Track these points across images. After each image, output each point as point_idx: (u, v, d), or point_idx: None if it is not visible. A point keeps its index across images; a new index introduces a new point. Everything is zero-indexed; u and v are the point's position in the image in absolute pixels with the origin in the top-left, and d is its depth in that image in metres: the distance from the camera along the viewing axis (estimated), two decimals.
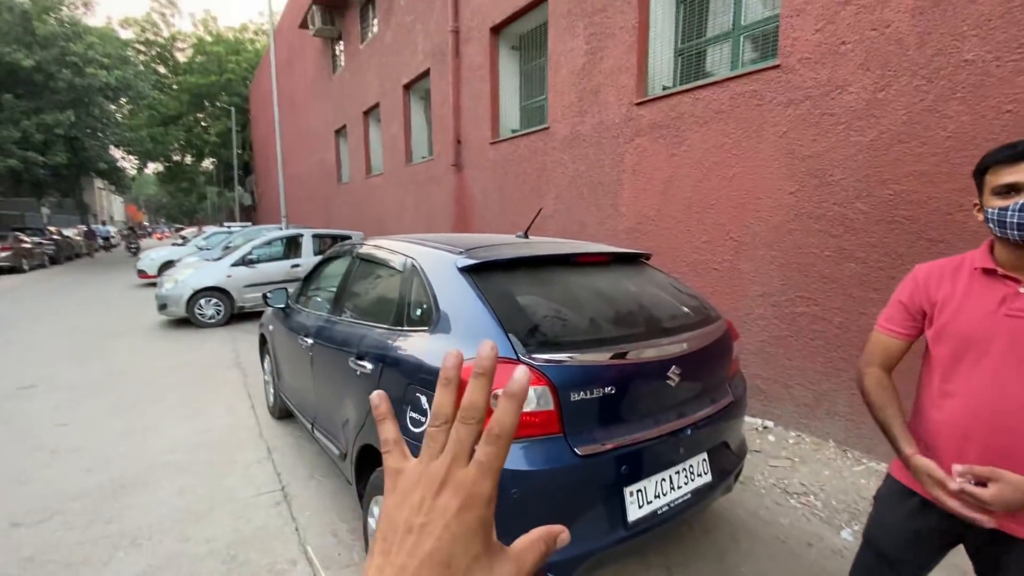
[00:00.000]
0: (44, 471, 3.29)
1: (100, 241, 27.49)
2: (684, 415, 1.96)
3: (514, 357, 1.65)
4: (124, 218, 63.41)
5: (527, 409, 1.60)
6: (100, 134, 24.06)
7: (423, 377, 1.77)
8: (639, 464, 1.79)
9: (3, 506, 2.87)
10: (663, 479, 1.89)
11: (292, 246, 8.76)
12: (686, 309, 2.22)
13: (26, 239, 17.07)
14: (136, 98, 25.75)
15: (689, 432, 1.93)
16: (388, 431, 0.37)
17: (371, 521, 2.13)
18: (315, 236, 8.85)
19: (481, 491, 0.32)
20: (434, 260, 2.15)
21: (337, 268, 3.28)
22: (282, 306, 3.59)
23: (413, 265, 2.22)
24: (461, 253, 2.07)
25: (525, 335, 1.72)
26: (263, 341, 4.28)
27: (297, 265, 8.36)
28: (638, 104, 4.50)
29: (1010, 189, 1.12)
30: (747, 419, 3.80)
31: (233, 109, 29.18)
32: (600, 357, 1.74)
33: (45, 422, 4.11)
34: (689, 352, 1.98)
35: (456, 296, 1.91)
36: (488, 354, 0.35)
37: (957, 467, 1.10)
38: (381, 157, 11.17)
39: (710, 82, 3.91)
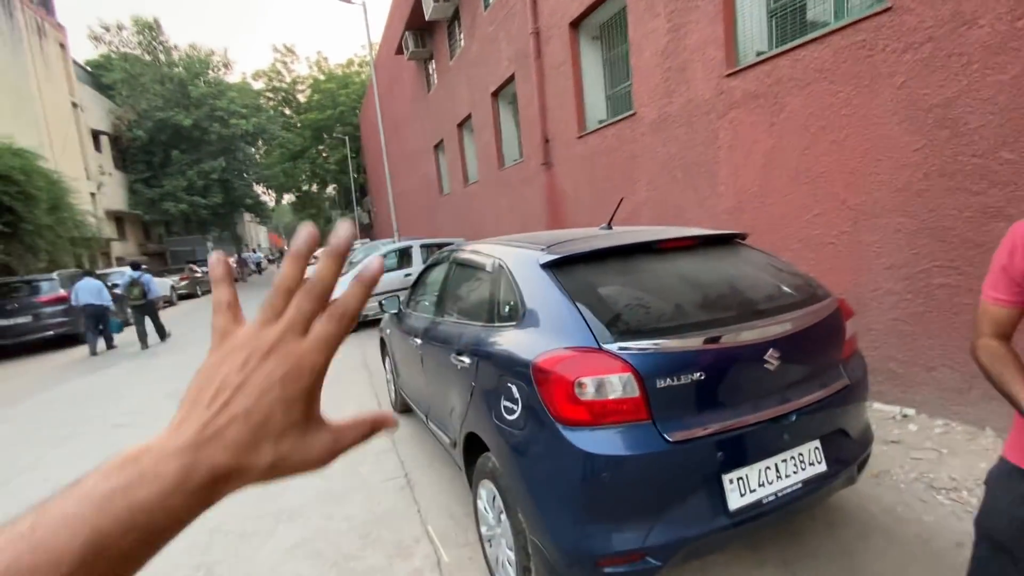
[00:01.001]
0: None
1: (252, 266, 31.99)
2: (787, 400, 1.86)
3: (596, 347, 1.70)
4: (268, 244, 72.93)
5: (613, 396, 1.65)
6: (245, 174, 28.07)
7: (512, 368, 1.89)
8: (737, 450, 1.74)
9: None
10: (767, 467, 1.81)
11: (404, 257, 9.50)
12: (787, 288, 2.09)
13: (197, 269, 20.44)
14: (269, 139, 29.61)
15: (794, 418, 1.83)
16: (221, 293, 0.36)
17: (479, 503, 2.30)
18: (423, 246, 9.52)
19: (312, 363, 0.32)
20: (519, 258, 2.27)
21: (438, 274, 3.55)
22: (395, 311, 3.96)
23: (500, 265, 2.36)
24: (543, 250, 2.16)
25: (607, 324, 1.76)
26: (383, 344, 4.74)
27: (409, 274, 9.05)
28: (728, 75, 4.24)
29: None
30: (882, 407, 3.42)
31: (347, 138, 32.21)
32: (686, 343, 1.73)
33: None
34: (790, 333, 1.87)
35: (539, 291, 2.01)
36: (345, 234, 0.34)
37: None
38: (476, 165, 11.65)
39: (810, 39, 3.57)
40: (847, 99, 3.34)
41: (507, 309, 2.18)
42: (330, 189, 43.11)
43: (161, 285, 11.99)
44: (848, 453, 2.05)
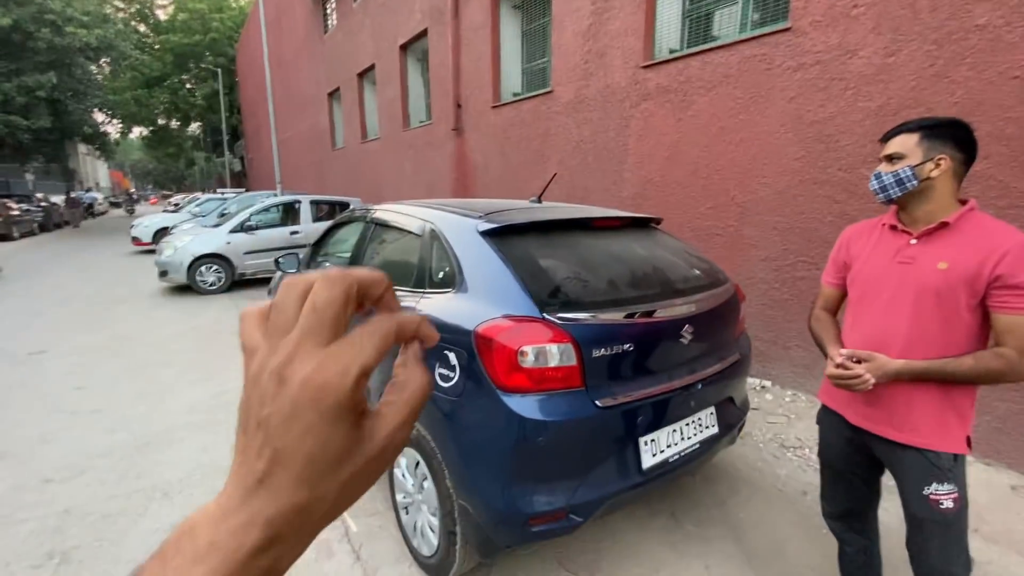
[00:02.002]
0: (67, 431, 3.39)
1: (93, 208, 26.95)
2: (695, 371, 2.07)
3: (538, 316, 1.73)
4: (110, 184, 62.09)
5: (552, 364, 1.70)
6: (83, 97, 23.34)
7: (450, 336, 1.85)
8: (653, 416, 1.90)
9: (31, 464, 2.98)
10: (674, 430, 2.01)
11: (289, 213, 8.71)
12: (697, 272, 2.30)
13: (14, 206, 16.77)
14: (118, 59, 24.88)
15: (700, 387, 2.05)
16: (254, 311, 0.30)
17: (396, 472, 2.25)
18: (313, 203, 8.79)
19: (340, 370, 0.25)
20: (454, 225, 2.20)
21: (349, 233, 3.32)
22: (294, 271, 3.63)
23: (432, 230, 2.27)
24: (480, 218, 2.12)
25: (548, 296, 1.80)
26: None
27: (296, 232, 8.34)
28: (645, 67, 4.47)
29: (887, 160, 1.46)
30: (748, 378, 3.95)
31: (220, 71, 28.26)
32: (619, 316, 1.83)
33: (61, 385, 4.19)
34: (701, 312, 2.07)
35: (478, 259, 1.98)
36: (431, 331, 0.31)
37: (842, 350, 1.47)
38: (377, 121, 10.97)
39: (719, 45, 3.88)
40: (745, 105, 3.71)
41: (441, 275, 2.12)
42: (194, 127, 37.79)
43: None
44: (733, 418, 2.36)
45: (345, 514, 2.48)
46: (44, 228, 19.05)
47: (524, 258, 1.94)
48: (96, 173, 54.36)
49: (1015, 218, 2.52)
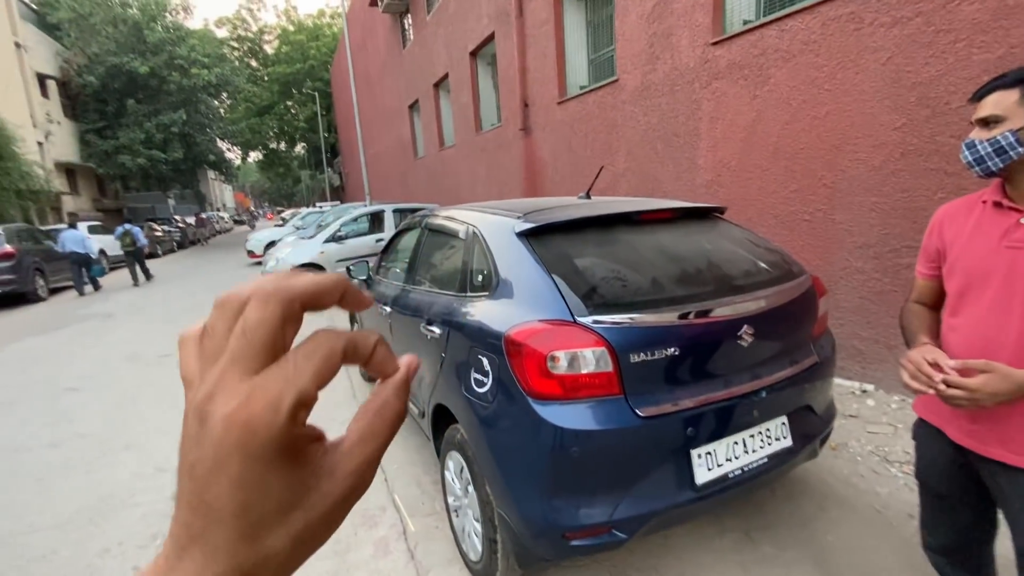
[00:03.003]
0: (181, 424, 3.84)
1: (216, 226, 30.67)
2: (758, 376, 1.85)
3: (570, 320, 1.64)
4: (234, 204, 70.29)
5: (586, 370, 1.61)
6: (208, 129, 26.56)
7: (484, 340, 1.82)
8: (706, 426, 1.73)
9: (150, 454, 3.41)
10: (735, 442, 1.82)
11: (376, 221, 9.23)
12: (763, 264, 2.06)
13: (157, 227, 19.51)
14: (234, 92, 28.01)
15: (764, 394, 1.83)
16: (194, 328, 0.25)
17: (447, 474, 2.27)
18: (395, 210, 9.25)
19: (267, 405, 0.21)
20: (493, 226, 2.17)
21: (409, 240, 3.42)
22: (364, 278, 3.82)
23: (474, 232, 2.26)
24: (519, 218, 2.07)
25: (582, 297, 1.70)
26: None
27: (380, 239, 8.81)
28: (715, 44, 4.13)
29: (981, 123, 1.19)
30: (843, 382, 3.51)
31: (317, 94, 30.80)
32: (662, 317, 1.68)
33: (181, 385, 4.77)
34: (764, 310, 1.85)
35: (514, 261, 1.93)
36: (414, 364, 0.28)
37: (951, 361, 1.15)
38: (452, 128, 11.30)
39: (799, 8, 3.47)
40: (831, 73, 3.29)
41: (480, 279, 2.10)
42: (299, 148, 41.52)
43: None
44: (813, 428, 2.08)
45: (404, 512, 2.55)
46: (181, 246, 21.99)
47: (560, 258, 1.86)
48: (223, 195, 61.83)
49: None
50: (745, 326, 1.79)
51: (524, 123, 7.50)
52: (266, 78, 35.25)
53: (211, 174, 41.38)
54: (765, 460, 1.87)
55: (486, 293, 1.99)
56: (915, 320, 1.40)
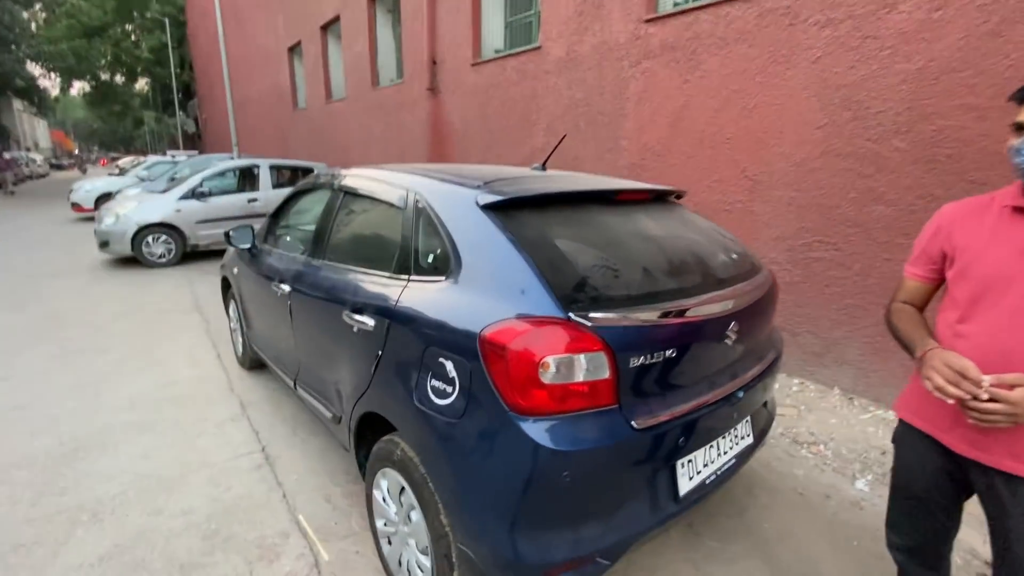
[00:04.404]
0: None
1: (25, 170, 24.73)
2: (736, 376, 1.75)
3: (561, 316, 1.35)
4: (51, 145, 57.52)
5: (578, 378, 1.33)
6: (13, 45, 21.03)
7: (448, 339, 1.45)
8: (692, 433, 1.57)
9: None
10: (711, 446, 1.70)
11: (247, 178, 7.98)
12: (735, 256, 1.96)
13: None
14: (51, 3, 22.42)
15: (741, 395, 1.73)
16: None
17: (376, 493, 1.88)
18: (273, 167, 8.07)
19: None
20: (446, 196, 1.77)
21: (312, 203, 2.84)
22: (248, 246, 3.13)
23: (417, 201, 1.84)
24: (479, 188, 1.71)
25: (573, 290, 1.41)
26: (226, 284, 3.83)
27: (254, 200, 7.65)
28: (648, 21, 4.02)
29: (1020, 128, 1.13)
30: None
31: (167, 21, 25.95)
32: (659, 315, 1.46)
33: None
34: (747, 305, 1.73)
35: (480, 240, 1.57)
36: None
37: (987, 377, 1.10)
38: (343, 79, 10.13)
39: None
40: (763, 66, 3.34)
41: (430, 259, 1.70)
42: (142, 84, 35.02)
43: None
44: (766, 423, 2.08)
45: (314, 536, 2.11)
46: None
47: (539, 240, 1.55)
48: (35, 132, 50.18)
49: None
50: (732, 323, 1.66)
51: (432, 83, 6.89)
52: None
53: (18, 104, 33.16)
54: (734, 460, 1.80)
55: (442, 278, 1.61)
56: (912, 322, 1.37)
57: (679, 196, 2.31)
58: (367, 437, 1.96)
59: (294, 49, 12.57)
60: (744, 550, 2.12)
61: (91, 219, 9.44)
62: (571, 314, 1.35)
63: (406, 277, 1.75)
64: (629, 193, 1.91)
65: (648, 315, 1.44)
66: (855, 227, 3.03)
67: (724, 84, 3.57)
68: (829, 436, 2.94)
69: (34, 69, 24.16)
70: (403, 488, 1.68)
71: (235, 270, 3.50)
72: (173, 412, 3.14)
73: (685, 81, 3.81)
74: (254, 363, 3.63)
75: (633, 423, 1.41)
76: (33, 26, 23.50)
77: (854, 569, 2.02)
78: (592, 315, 1.36)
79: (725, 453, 1.76)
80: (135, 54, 30.02)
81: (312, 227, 2.64)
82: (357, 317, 1.85)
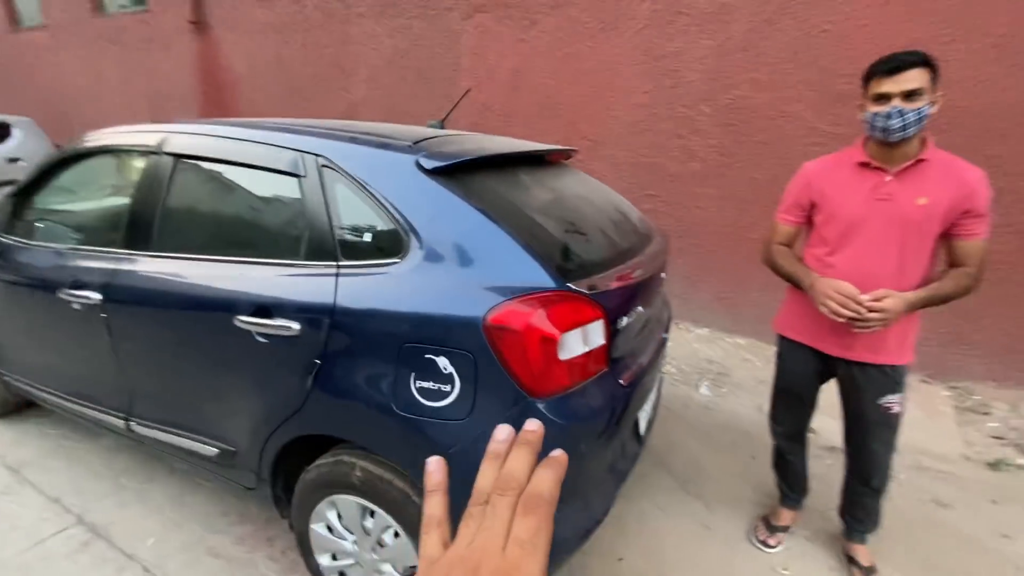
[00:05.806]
0: None
1: None
2: (662, 321, 1.93)
3: (555, 287, 1.27)
4: None
5: (585, 350, 1.29)
6: None
7: (437, 332, 1.24)
8: (647, 378, 1.70)
9: None
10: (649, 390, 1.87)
11: None
12: (638, 214, 2.11)
13: None
14: None
15: (667, 336, 1.93)
16: (435, 506, 0.34)
17: (316, 528, 1.55)
18: None
19: (526, 574, 0.29)
20: (369, 159, 1.46)
21: (100, 175, 2.06)
22: None
23: (324, 166, 1.47)
24: (412, 150, 1.45)
25: (561, 259, 1.34)
26: None
27: None
28: None
29: (881, 97, 1.41)
30: None
31: None
32: (627, 274, 1.50)
33: None
34: (663, 260, 1.91)
35: (438, 211, 1.35)
36: (534, 427, 0.35)
37: (865, 296, 1.46)
38: None
39: None
40: (594, 32, 3.57)
41: (367, 238, 1.39)
42: None
43: None
44: (665, 355, 2.36)
45: None
46: None
47: (505, 207, 1.41)
48: None
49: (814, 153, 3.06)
50: (662, 273, 1.81)
51: (197, 14, 5.47)
52: None
53: None
54: (656, 392, 2.01)
55: (395, 259, 1.34)
56: (791, 260, 1.70)
57: (568, 156, 2.36)
58: (283, 466, 1.59)
59: None
60: (650, 466, 2.43)
61: None
62: (570, 284, 1.28)
63: (332, 264, 1.40)
64: (555, 154, 1.87)
65: (616, 276, 1.46)
66: (676, 180, 3.57)
67: (559, 46, 3.71)
68: (670, 357, 3.52)
69: None
70: (371, 512, 1.42)
71: None
72: None
73: (521, 40, 3.84)
74: (11, 406, 2.55)
75: (620, 381, 1.44)
76: None
77: (729, 457, 2.52)
78: (585, 282, 1.32)
79: (652, 391, 1.96)
80: None
81: (112, 209, 1.92)
82: (263, 322, 1.43)
